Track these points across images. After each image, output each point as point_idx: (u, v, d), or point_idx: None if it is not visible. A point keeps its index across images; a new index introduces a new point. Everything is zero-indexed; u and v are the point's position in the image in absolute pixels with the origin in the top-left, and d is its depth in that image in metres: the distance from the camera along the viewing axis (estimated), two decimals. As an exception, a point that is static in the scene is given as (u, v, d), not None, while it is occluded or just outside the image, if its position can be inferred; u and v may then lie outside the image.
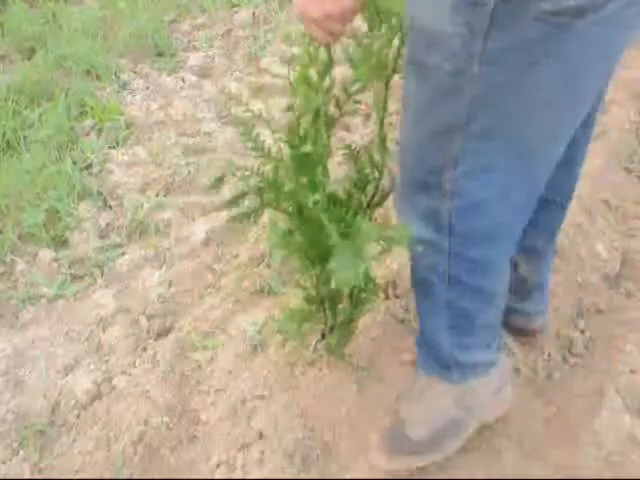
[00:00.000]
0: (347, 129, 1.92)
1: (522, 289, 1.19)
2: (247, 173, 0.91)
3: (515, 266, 1.13)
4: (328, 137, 0.88)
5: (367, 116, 1.95)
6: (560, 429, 1.14)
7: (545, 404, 1.19)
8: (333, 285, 0.83)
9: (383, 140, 0.94)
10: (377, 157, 0.96)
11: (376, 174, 0.96)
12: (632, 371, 1.22)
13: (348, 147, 0.96)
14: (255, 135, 0.89)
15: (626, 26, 0.70)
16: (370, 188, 0.97)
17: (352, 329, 1.19)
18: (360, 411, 1.17)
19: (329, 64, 0.84)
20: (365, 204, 0.98)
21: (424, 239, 0.88)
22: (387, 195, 0.99)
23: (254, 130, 0.88)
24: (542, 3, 0.63)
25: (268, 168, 0.92)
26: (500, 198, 0.82)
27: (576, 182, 1.08)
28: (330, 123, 0.89)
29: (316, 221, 0.88)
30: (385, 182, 0.98)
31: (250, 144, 0.89)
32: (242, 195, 0.94)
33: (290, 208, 0.92)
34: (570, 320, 1.33)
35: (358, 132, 1.88)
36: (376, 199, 0.98)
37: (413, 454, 1.04)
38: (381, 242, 0.89)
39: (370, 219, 1.01)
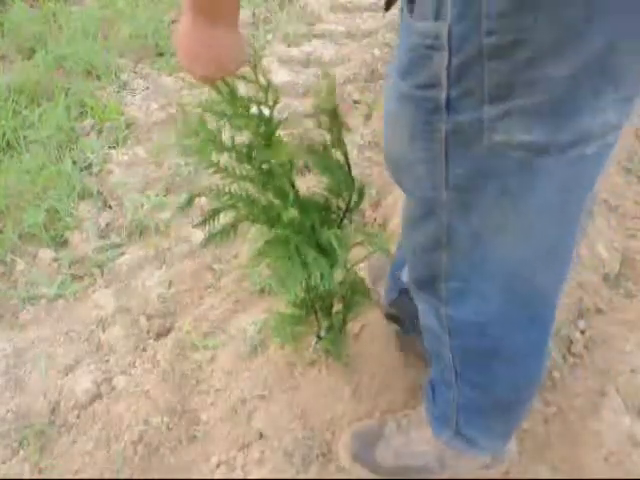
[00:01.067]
0: (347, 129, 1.92)
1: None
2: (217, 190, 0.90)
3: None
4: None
5: (367, 116, 1.95)
6: (560, 429, 1.14)
7: (545, 404, 1.19)
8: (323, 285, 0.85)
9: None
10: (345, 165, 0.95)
11: (348, 181, 0.95)
12: (632, 371, 1.22)
13: (320, 153, 0.94)
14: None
15: (604, 158, 0.64)
16: (345, 195, 0.96)
17: (345, 332, 1.19)
18: (359, 411, 1.17)
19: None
20: (344, 209, 0.98)
21: (429, 326, 0.87)
22: (359, 202, 0.98)
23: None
24: (494, 135, 0.58)
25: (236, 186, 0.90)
26: (497, 321, 0.78)
27: None
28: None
29: (291, 231, 0.89)
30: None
31: (209, 167, 0.88)
32: (216, 213, 0.92)
33: (265, 220, 0.92)
34: (570, 320, 1.33)
35: (358, 132, 1.88)
36: (352, 204, 0.97)
37: (374, 472, 1.07)
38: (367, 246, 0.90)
39: (350, 221, 1.00)
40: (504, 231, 0.66)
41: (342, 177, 0.91)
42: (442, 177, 0.64)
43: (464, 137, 0.60)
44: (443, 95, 0.58)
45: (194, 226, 0.92)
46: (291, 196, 0.86)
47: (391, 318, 1.24)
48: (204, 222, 0.92)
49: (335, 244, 0.85)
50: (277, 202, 0.88)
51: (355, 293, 1.08)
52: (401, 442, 1.06)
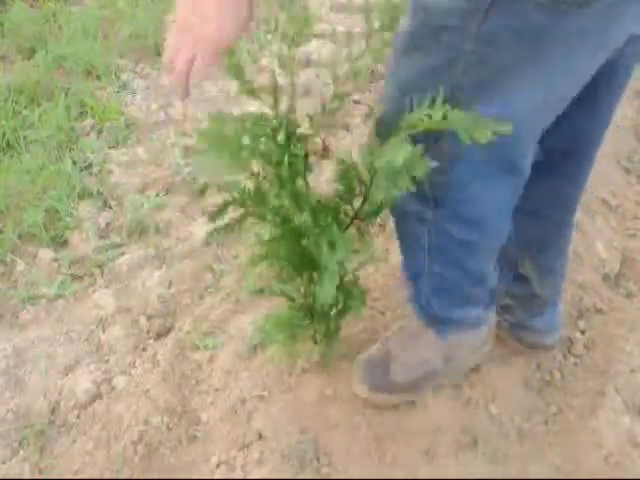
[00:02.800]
0: (346, 128, 1.92)
1: (534, 305, 1.19)
2: (229, 183, 0.91)
3: (527, 282, 1.15)
4: (303, 149, 0.87)
5: (367, 116, 1.95)
6: (560, 429, 1.15)
7: (545, 404, 1.19)
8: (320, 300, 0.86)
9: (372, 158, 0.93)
10: (365, 174, 0.95)
11: (363, 189, 0.95)
12: (632, 371, 1.22)
13: (342, 162, 0.95)
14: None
15: (626, 18, 0.70)
16: (356, 203, 0.97)
17: (337, 337, 1.20)
18: (357, 412, 1.17)
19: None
20: (351, 216, 0.98)
21: (407, 209, 0.91)
22: (374, 214, 0.98)
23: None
24: None
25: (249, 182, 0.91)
26: (485, 186, 0.85)
27: (575, 199, 1.10)
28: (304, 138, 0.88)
29: (301, 231, 0.89)
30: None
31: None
32: (226, 206, 0.93)
33: (274, 219, 0.92)
34: (570, 320, 1.33)
35: (358, 131, 1.88)
36: (361, 215, 0.97)
37: (392, 393, 1.15)
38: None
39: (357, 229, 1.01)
40: (520, 78, 0.72)
41: (355, 184, 0.92)
42: (475, 29, 0.69)
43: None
44: None
45: (207, 217, 0.93)
46: (305, 199, 0.86)
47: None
48: (215, 215, 0.93)
49: (341, 245, 0.86)
50: (289, 202, 0.88)
51: (351, 299, 1.08)
52: (410, 355, 1.14)
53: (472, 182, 0.85)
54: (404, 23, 0.77)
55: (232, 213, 0.93)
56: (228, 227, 0.94)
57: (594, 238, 1.51)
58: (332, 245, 0.87)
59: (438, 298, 1.06)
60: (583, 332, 1.32)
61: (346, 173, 0.93)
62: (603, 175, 1.67)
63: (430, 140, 0.79)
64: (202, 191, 0.95)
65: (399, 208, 0.95)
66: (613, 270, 1.46)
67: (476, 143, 0.71)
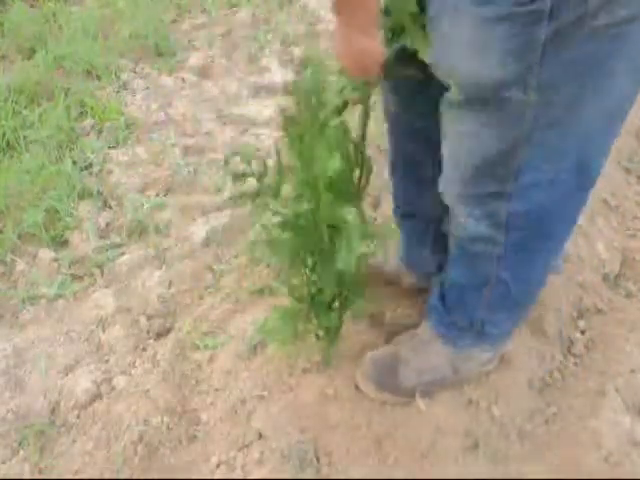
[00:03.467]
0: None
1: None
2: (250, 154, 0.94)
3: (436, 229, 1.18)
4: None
5: (366, 115, 1.94)
6: (560, 429, 1.14)
7: (545, 404, 1.19)
8: (338, 266, 0.89)
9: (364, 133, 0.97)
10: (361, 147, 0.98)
11: (359, 159, 0.98)
12: (632, 371, 1.22)
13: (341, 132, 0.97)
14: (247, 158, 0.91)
15: None
16: (356, 173, 0.99)
17: (338, 335, 1.20)
18: (358, 412, 1.17)
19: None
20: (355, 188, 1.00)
21: (472, 236, 0.95)
22: (368, 176, 1.01)
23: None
24: (594, 21, 0.66)
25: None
26: (557, 204, 0.89)
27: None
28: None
29: (310, 220, 0.91)
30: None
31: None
32: (243, 176, 0.95)
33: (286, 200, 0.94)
34: (570, 320, 1.33)
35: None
36: (362, 182, 1.00)
37: (398, 395, 1.17)
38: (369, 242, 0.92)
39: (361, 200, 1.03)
40: (581, 103, 0.75)
41: (356, 155, 0.93)
42: (534, 80, 0.71)
43: (563, 37, 0.67)
44: (548, 4, 0.65)
45: (229, 177, 0.98)
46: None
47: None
48: (235, 178, 0.96)
49: (351, 220, 0.87)
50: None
51: (353, 291, 1.09)
52: (420, 360, 1.17)
53: (552, 206, 0.89)
54: (450, 98, 0.80)
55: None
56: (244, 196, 0.96)
57: (594, 238, 1.51)
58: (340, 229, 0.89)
59: (487, 309, 1.07)
60: (583, 332, 1.32)
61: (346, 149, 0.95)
62: (603, 175, 1.66)
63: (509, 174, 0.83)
64: (227, 162, 0.98)
65: (469, 235, 0.97)
66: (613, 270, 1.46)
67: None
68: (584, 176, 0.87)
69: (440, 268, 1.16)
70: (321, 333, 1.18)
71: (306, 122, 0.86)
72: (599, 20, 0.66)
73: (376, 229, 0.98)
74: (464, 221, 0.95)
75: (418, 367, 1.17)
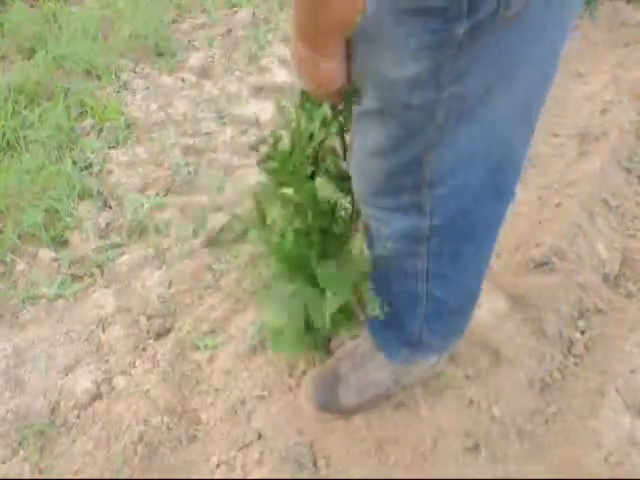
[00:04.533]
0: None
1: None
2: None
3: None
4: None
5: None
6: (560, 429, 1.14)
7: (545, 404, 1.19)
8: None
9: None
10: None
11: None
12: (632, 371, 1.22)
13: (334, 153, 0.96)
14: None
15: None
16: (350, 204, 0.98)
17: (326, 348, 1.20)
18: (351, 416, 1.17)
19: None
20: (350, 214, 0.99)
21: (404, 229, 0.88)
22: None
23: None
24: (507, 11, 0.63)
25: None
26: (476, 202, 0.84)
27: None
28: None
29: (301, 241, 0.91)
30: None
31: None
32: (226, 229, 0.96)
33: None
34: (570, 320, 1.33)
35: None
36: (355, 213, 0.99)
37: (339, 413, 1.15)
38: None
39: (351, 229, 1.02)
40: (491, 93, 0.72)
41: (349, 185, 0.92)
42: (447, 76, 0.68)
43: (478, 31, 0.64)
44: (465, 1, 0.62)
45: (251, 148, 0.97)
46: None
47: None
48: (217, 235, 0.95)
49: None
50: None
51: (342, 312, 1.08)
52: (359, 377, 1.14)
53: (472, 210, 0.85)
54: (366, 99, 0.76)
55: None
56: (226, 244, 0.96)
57: (594, 238, 1.51)
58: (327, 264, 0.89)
59: (424, 320, 1.02)
60: (583, 332, 1.32)
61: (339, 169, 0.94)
62: (603, 175, 1.67)
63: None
64: (255, 148, 0.97)
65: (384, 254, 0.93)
66: (613, 270, 1.46)
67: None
68: (500, 177, 0.83)
69: None
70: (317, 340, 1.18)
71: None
72: (512, 9, 0.63)
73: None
74: (383, 235, 0.90)
75: (358, 385, 1.14)
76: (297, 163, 0.86)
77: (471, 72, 0.68)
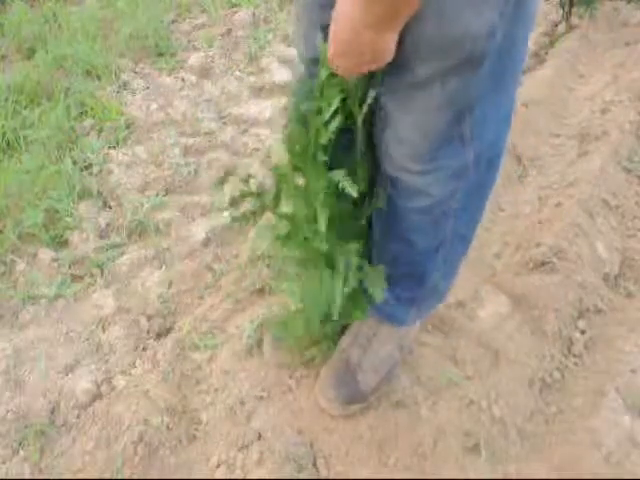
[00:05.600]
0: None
1: None
2: (247, 176, 0.92)
3: None
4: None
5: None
6: (560, 429, 1.14)
7: (545, 404, 1.19)
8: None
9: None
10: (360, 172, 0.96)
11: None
12: (632, 371, 1.22)
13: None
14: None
15: None
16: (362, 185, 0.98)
17: (334, 341, 1.20)
18: (358, 413, 1.17)
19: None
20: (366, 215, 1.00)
21: (453, 169, 0.92)
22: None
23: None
24: None
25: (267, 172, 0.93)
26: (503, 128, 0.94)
27: None
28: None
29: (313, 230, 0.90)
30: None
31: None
32: (243, 196, 0.94)
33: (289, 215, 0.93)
34: (570, 320, 1.33)
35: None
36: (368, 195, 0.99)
37: (366, 400, 1.16)
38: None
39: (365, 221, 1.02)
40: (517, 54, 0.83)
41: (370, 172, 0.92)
42: (501, 32, 0.74)
43: None
44: None
45: (213, 188, 0.97)
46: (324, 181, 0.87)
47: None
48: (231, 205, 0.94)
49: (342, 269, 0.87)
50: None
51: (352, 301, 1.08)
52: (371, 359, 1.16)
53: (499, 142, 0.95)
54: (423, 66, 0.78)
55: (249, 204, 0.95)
56: (244, 217, 0.95)
57: (594, 238, 1.51)
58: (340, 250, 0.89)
59: (451, 265, 1.09)
60: (583, 332, 1.32)
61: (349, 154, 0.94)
62: (603, 175, 1.67)
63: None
64: (217, 186, 0.98)
65: (431, 204, 0.96)
66: (613, 270, 1.46)
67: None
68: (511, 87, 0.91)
69: None
70: (321, 338, 1.18)
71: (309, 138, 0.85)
72: None
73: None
74: (421, 187, 0.93)
75: (372, 366, 1.16)
76: (313, 151, 0.86)
77: (513, 31, 0.75)
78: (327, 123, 0.84)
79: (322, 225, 0.86)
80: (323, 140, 0.84)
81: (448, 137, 0.86)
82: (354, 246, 0.93)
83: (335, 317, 0.97)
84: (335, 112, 0.83)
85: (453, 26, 0.73)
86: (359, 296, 1.06)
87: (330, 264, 0.95)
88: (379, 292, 1.02)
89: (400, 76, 0.80)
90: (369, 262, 1.03)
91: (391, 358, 1.18)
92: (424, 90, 0.80)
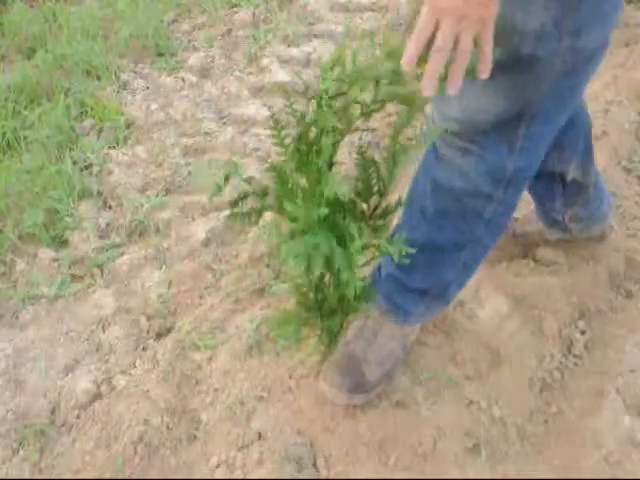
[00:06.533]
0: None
1: (589, 197, 1.29)
2: (249, 175, 0.92)
3: (563, 178, 1.23)
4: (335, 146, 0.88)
5: (367, 115, 1.94)
6: (560, 429, 1.14)
7: (545, 404, 1.19)
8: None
9: (394, 155, 0.94)
10: (384, 171, 0.96)
11: (381, 187, 0.96)
12: (632, 371, 1.22)
13: (361, 154, 0.96)
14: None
15: None
16: (374, 200, 0.97)
17: (337, 339, 1.19)
18: (358, 414, 1.17)
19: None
20: (368, 214, 0.99)
21: (490, 166, 0.94)
22: (390, 212, 0.99)
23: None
24: None
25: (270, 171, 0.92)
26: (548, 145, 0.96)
27: None
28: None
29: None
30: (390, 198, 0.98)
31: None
32: (244, 197, 0.94)
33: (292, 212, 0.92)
34: (570, 320, 1.33)
35: (357, 131, 1.88)
36: (378, 211, 0.98)
37: (371, 391, 1.16)
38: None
39: (371, 228, 1.01)
40: (600, 50, 0.84)
41: (375, 182, 0.92)
42: (568, 27, 0.75)
43: None
44: None
45: (211, 194, 0.95)
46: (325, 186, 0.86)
47: None
48: (232, 205, 0.93)
49: (356, 234, 0.86)
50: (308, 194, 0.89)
51: (358, 298, 1.07)
52: (375, 352, 1.17)
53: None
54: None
55: (251, 203, 0.95)
56: (246, 215, 0.95)
57: (594, 238, 1.50)
58: (344, 239, 0.88)
59: (461, 271, 1.10)
60: (583, 332, 1.32)
61: (365, 169, 0.94)
62: (603, 175, 1.67)
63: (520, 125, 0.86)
64: (216, 191, 0.96)
65: (465, 188, 0.98)
66: (613, 270, 1.46)
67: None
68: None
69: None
70: (323, 335, 1.17)
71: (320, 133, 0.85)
72: None
73: (384, 242, 0.96)
74: (463, 171, 0.95)
75: (377, 359, 1.17)
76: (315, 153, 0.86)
77: (588, 26, 0.75)
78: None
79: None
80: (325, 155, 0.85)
81: (496, 130, 0.87)
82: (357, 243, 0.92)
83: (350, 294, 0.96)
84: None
85: (502, 18, 0.73)
86: (369, 288, 1.06)
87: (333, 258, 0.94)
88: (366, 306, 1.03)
89: None
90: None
91: (394, 355, 1.18)
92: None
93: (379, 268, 1.18)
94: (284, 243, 0.90)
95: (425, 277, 1.11)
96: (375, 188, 0.96)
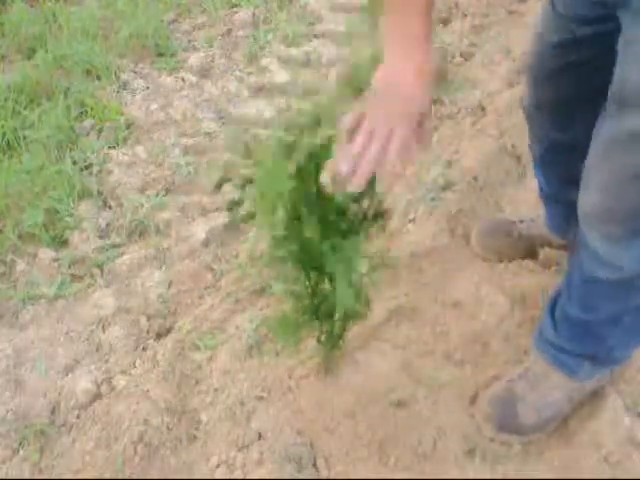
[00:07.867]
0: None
1: None
2: (243, 180, 0.92)
3: None
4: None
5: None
6: (560, 429, 1.14)
7: (545, 404, 1.19)
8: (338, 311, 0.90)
9: None
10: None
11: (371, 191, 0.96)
12: (632, 371, 1.22)
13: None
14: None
15: None
16: (365, 201, 0.97)
17: (343, 340, 1.19)
18: (358, 414, 1.17)
19: None
20: (360, 217, 0.98)
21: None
22: (382, 214, 0.99)
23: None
24: None
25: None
26: None
27: None
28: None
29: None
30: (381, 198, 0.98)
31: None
32: (239, 202, 0.94)
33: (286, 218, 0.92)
34: (570, 320, 1.33)
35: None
36: (370, 212, 0.98)
37: (519, 434, 1.12)
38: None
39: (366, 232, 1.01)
40: None
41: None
42: None
43: None
44: None
45: (213, 189, 0.95)
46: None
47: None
48: (228, 208, 0.94)
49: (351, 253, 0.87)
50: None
51: (357, 302, 1.07)
52: (536, 397, 1.12)
53: None
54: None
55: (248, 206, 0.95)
56: (242, 219, 0.95)
57: (594, 238, 1.50)
58: (336, 249, 0.88)
59: (623, 333, 1.04)
60: (583, 332, 1.31)
61: None
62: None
63: None
64: (218, 186, 0.96)
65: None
66: (613, 270, 1.46)
67: None
68: None
69: None
70: (323, 338, 1.17)
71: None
72: None
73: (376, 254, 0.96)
74: (617, 258, 0.90)
75: (536, 404, 1.12)
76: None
77: None
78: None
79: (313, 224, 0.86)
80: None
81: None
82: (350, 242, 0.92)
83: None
84: None
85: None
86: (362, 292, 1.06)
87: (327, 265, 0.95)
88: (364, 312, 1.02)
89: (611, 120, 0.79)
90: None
91: (556, 406, 1.13)
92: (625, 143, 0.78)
93: (540, 331, 1.14)
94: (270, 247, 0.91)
95: (584, 346, 1.08)
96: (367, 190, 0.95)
